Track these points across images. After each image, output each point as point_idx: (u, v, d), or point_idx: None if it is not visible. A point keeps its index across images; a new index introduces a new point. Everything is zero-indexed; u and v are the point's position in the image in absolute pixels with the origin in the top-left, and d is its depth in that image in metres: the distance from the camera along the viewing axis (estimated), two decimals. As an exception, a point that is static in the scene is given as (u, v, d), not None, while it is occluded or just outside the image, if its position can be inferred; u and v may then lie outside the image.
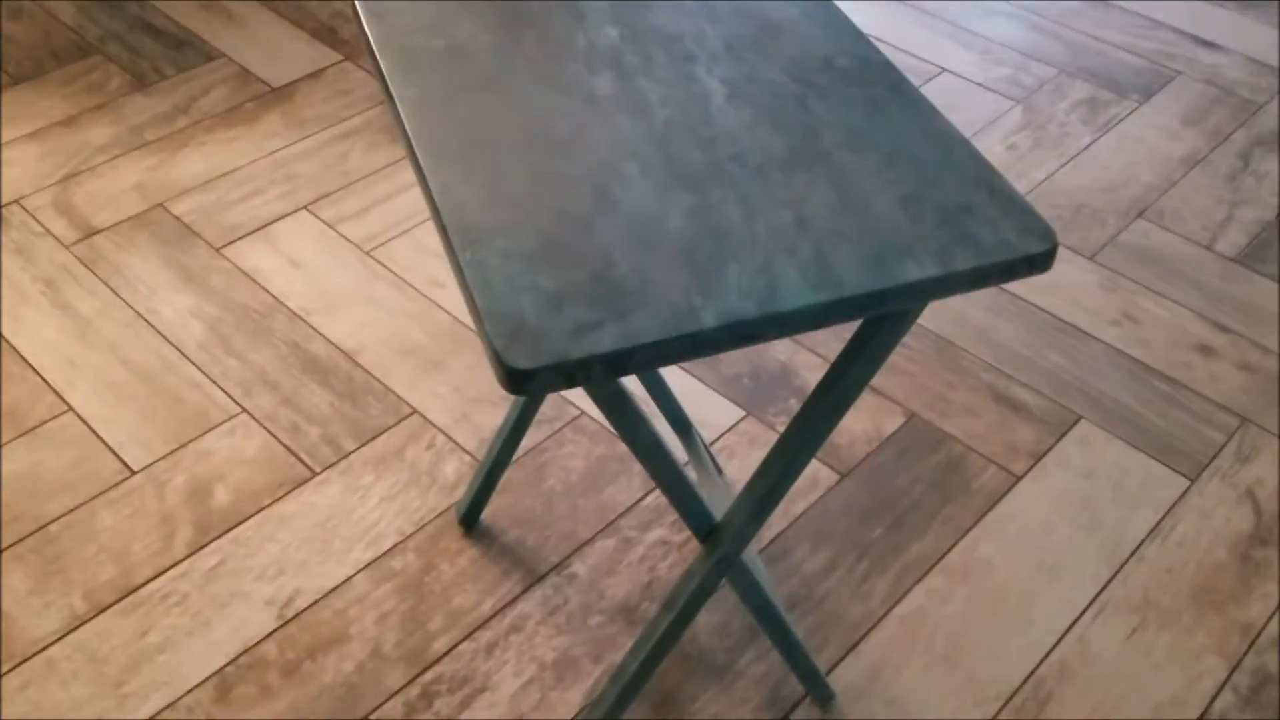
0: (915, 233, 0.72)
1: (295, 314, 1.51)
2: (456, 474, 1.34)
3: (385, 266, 1.58)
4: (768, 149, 0.77)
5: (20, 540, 1.26)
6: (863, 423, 1.42)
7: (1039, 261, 0.71)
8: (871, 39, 1.89)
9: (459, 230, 0.71)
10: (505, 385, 0.64)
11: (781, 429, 1.41)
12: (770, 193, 0.74)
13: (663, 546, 1.28)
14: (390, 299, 1.54)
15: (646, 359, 0.65)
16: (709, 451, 1.32)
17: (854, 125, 0.79)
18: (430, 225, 1.65)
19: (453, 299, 1.54)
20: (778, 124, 0.79)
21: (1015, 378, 1.48)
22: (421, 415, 1.40)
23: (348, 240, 1.62)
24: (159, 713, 1.12)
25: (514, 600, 1.23)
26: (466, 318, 1.52)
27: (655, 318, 0.66)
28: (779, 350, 1.50)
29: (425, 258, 1.60)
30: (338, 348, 1.47)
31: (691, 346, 0.66)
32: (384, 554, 1.26)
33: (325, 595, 1.22)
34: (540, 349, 0.64)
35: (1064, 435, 1.42)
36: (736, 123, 0.79)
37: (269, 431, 1.37)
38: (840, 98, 0.82)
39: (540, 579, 1.25)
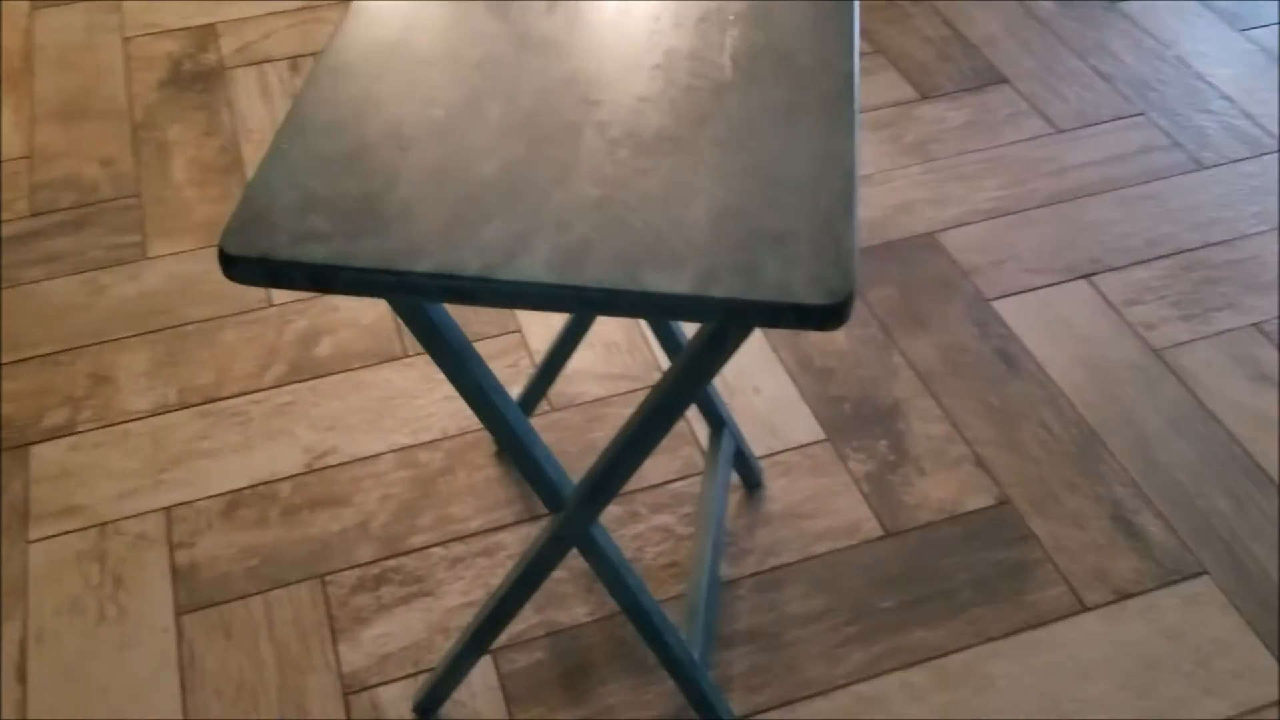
0: (701, 246, 0.65)
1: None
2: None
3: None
4: (641, 125, 0.72)
5: (158, 330, 1.45)
6: (946, 489, 1.28)
7: (813, 315, 0.62)
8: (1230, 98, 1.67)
9: (293, 122, 0.73)
10: (219, 263, 0.66)
11: (855, 465, 1.31)
12: (600, 166, 0.70)
13: (662, 532, 1.24)
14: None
15: (350, 283, 0.65)
16: (748, 457, 1.25)
17: (750, 126, 0.72)
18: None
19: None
20: (675, 105, 0.74)
21: (1153, 504, 1.27)
22: (522, 336, 1.45)
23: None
24: (175, 505, 1.27)
25: (499, 528, 1.25)
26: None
27: (380, 249, 0.65)
28: (901, 388, 1.39)
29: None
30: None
31: (397, 285, 0.64)
32: (418, 445, 1.32)
33: (352, 461, 1.31)
34: (255, 241, 0.65)
35: (1172, 584, 1.20)
36: (636, 93, 0.75)
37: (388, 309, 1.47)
38: (764, 97, 0.75)
39: (534, 518, 1.26)
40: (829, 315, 0.62)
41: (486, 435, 1.33)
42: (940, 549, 1.23)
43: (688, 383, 0.75)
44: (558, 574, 1.21)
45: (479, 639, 1.00)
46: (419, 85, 0.75)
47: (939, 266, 1.54)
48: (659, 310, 0.63)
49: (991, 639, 1.16)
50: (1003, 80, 1.85)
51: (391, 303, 0.76)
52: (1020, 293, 1.51)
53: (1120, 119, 1.77)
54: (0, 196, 1.65)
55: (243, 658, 1.14)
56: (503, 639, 1.16)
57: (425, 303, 0.74)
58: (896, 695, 1.12)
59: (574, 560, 1.22)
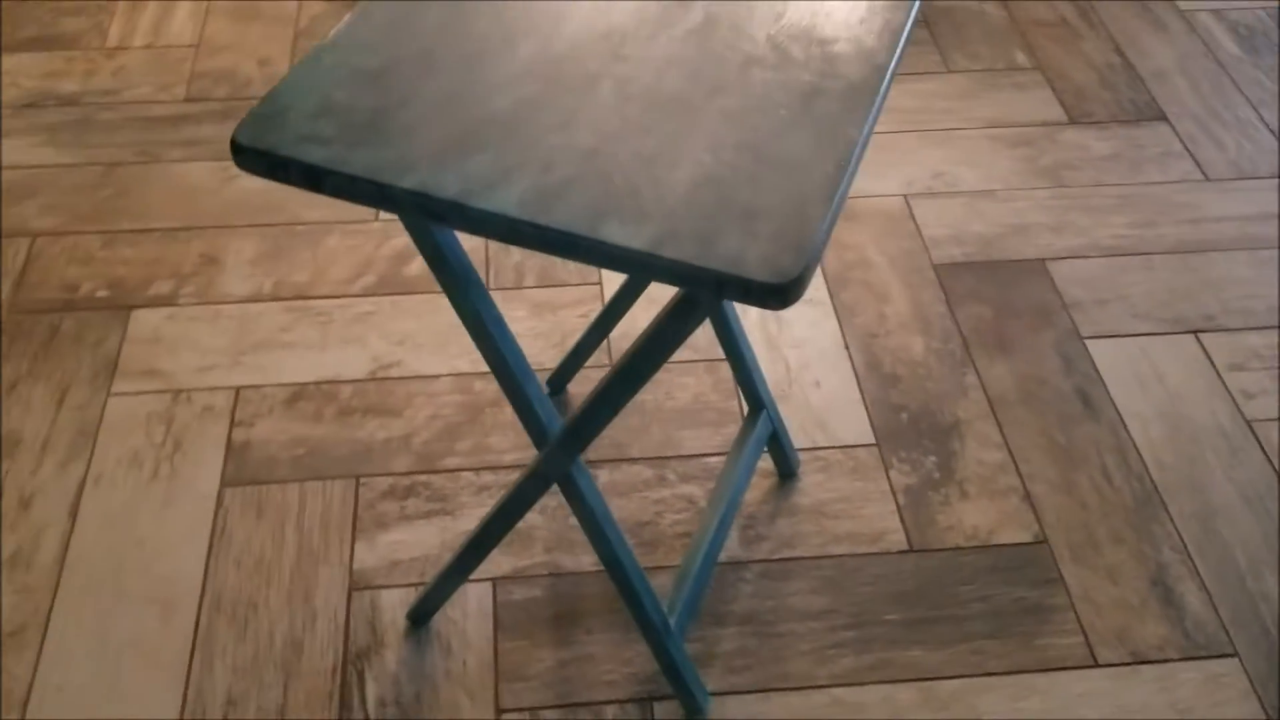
0: (670, 208, 0.65)
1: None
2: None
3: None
4: (658, 86, 0.73)
5: (271, 225, 1.54)
6: (984, 517, 1.25)
7: (756, 291, 0.62)
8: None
9: (338, 34, 0.77)
10: (231, 150, 0.70)
11: (896, 475, 1.29)
12: (605, 119, 0.71)
13: (684, 501, 1.25)
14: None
15: (336, 187, 0.68)
16: (786, 446, 1.25)
17: (763, 103, 0.72)
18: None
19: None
20: (698, 72, 0.74)
21: (1200, 575, 1.20)
22: (601, 289, 1.47)
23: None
24: (244, 386, 1.35)
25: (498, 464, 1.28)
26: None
27: (372, 159, 0.68)
28: (964, 409, 1.35)
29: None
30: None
31: (378, 196, 0.67)
32: (476, 373, 1.37)
33: (412, 377, 1.36)
34: (264, 136, 0.70)
35: (1197, 659, 1.14)
36: (665, 54, 0.76)
37: (484, 241, 1.52)
38: (787, 76, 0.74)
39: (567, 463, 1.29)
40: (772, 293, 0.62)
41: (541, 378, 1.37)
42: (962, 575, 1.21)
43: (655, 346, 0.76)
44: (573, 520, 1.24)
45: (462, 563, 1.04)
46: (463, 17, 0.78)
47: (1040, 294, 1.49)
48: (611, 262, 0.64)
49: (990, 674, 1.13)
50: (1161, 118, 1.76)
51: (402, 220, 0.79)
52: (1119, 336, 1.44)
53: (1278, 178, 1.66)
54: (163, 79, 1.77)
55: (268, 537, 1.21)
56: (507, 570, 1.19)
57: (430, 225, 0.77)
58: (876, 707, 1.10)
59: (596, 511, 1.24)
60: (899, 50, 0.77)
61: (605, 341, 1.40)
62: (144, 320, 1.42)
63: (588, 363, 1.35)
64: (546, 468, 0.91)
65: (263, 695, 1.10)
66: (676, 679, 1.06)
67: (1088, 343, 1.44)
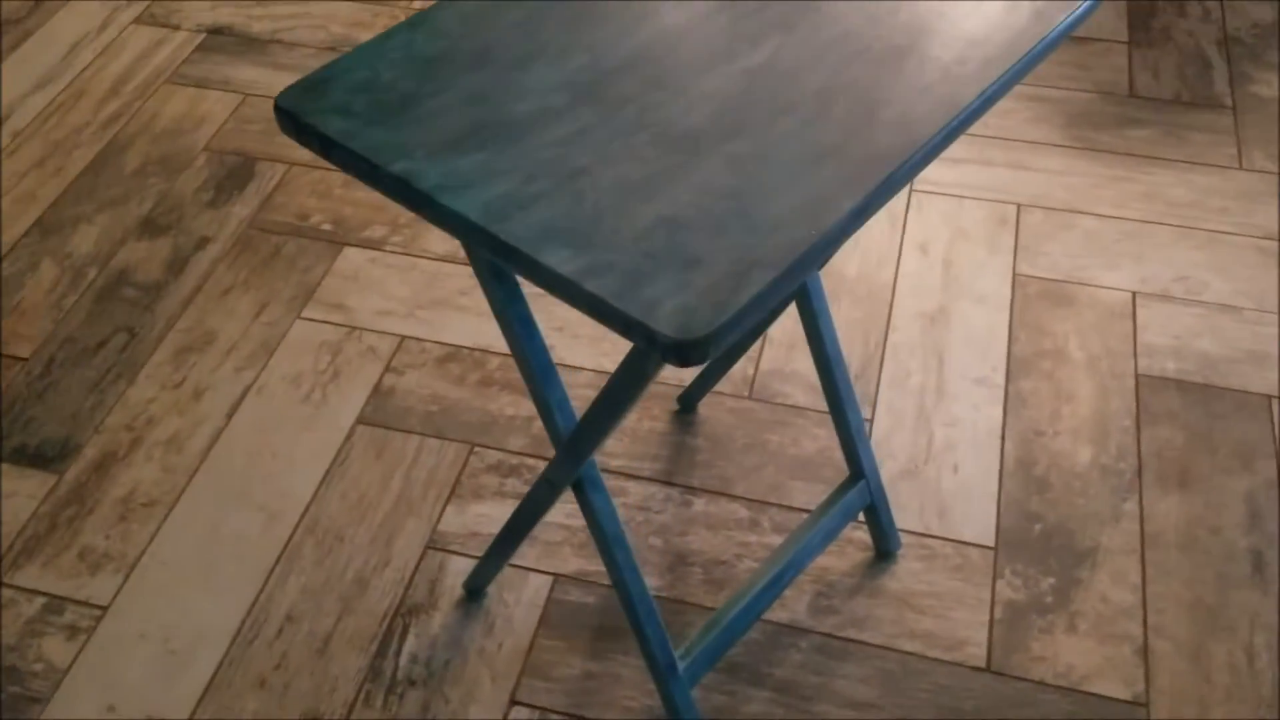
0: (620, 241, 0.64)
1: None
2: (741, 365, 1.38)
3: (914, 214, 1.57)
4: (680, 119, 0.71)
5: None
6: (1085, 658, 1.12)
7: (656, 341, 0.59)
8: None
9: (417, 17, 0.80)
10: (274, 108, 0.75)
11: (1003, 587, 1.17)
12: (609, 142, 0.70)
13: (767, 550, 1.21)
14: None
15: (340, 159, 0.71)
16: (885, 524, 1.17)
17: (773, 154, 0.68)
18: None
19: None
20: (727, 111, 0.72)
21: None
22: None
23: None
24: (409, 337, 1.43)
25: (633, 476, 1.28)
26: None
27: (377, 140, 0.71)
28: (1110, 537, 1.21)
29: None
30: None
31: (369, 175, 0.70)
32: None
33: (558, 364, 1.40)
34: (300, 101, 0.74)
35: None
36: (704, 89, 0.73)
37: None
38: (815, 132, 0.70)
39: (667, 482, 1.27)
40: (670, 348, 0.59)
41: (672, 393, 1.36)
42: (1034, 711, 1.09)
43: (611, 394, 0.75)
44: (653, 541, 1.23)
45: (497, 549, 1.06)
46: (537, 19, 0.79)
47: (1251, 435, 1.31)
48: (545, 283, 0.64)
49: (1025, 826, 1.02)
50: None
51: (478, 258, 0.81)
52: (1333, 503, 1.24)
53: None
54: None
55: (376, 478, 1.29)
56: (572, 570, 1.20)
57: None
58: (883, 820, 1.02)
59: (678, 538, 1.23)
60: (946, 129, 0.70)
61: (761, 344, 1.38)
62: (350, 258, 1.54)
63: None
64: (552, 474, 0.91)
65: (317, 620, 1.18)
66: (674, 714, 1.03)
67: (1292, 501, 1.25)
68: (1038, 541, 1.22)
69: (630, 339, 0.61)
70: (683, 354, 0.60)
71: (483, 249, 0.67)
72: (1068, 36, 0.84)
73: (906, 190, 1.61)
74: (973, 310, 1.45)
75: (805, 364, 1.39)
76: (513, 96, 0.74)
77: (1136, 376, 1.37)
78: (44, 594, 1.20)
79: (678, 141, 0.70)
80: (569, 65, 0.76)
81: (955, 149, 1.66)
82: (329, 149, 0.72)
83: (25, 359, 1.42)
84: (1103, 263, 1.51)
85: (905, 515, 1.25)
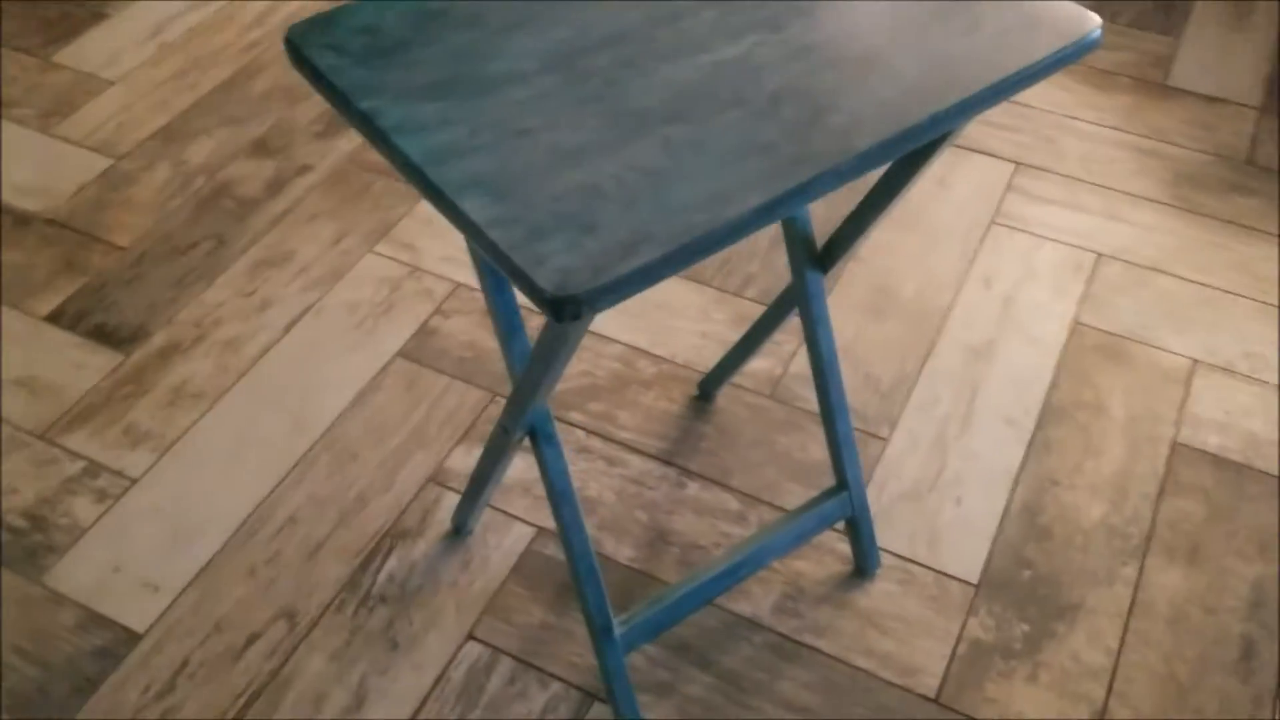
0: (535, 199, 0.68)
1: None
2: (769, 365, 1.39)
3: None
4: (635, 98, 0.74)
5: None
6: (1039, 709, 1.10)
7: (533, 292, 0.63)
8: None
9: (437, -26, 0.85)
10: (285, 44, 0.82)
11: (974, 625, 1.16)
12: (562, 109, 0.74)
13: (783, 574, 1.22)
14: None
15: (325, 92, 0.77)
16: (866, 542, 1.17)
17: (711, 145, 0.71)
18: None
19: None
20: (681, 97, 0.74)
21: None
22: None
23: (1003, 211, 1.59)
24: (462, 284, 1.50)
25: (637, 450, 1.31)
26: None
27: (356, 79, 0.76)
28: (1098, 598, 1.18)
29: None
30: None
31: (344, 108, 0.76)
32: (646, 351, 1.41)
33: (592, 332, 1.44)
34: (305, 35, 0.80)
35: None
36: (671, 75, 0.76)
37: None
38: (754, 129, 0.72)
39: (669, 463, 1.30)
40: (546, 301, 0.63)
41: (695, 379, 1.39)
42: (971, 751, 1.08)
43: (549, 334, 0.78)
44: (639, 515, 1.26)
45: (468, 492, 1.11)
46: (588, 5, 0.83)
47: (1277, 524, 1.25)
48: (458, 224, 0.68)
49: None
50: None
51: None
52: (1349, 609, 1.18)
53: None
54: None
55: (399, 409, 1.36)
56: (555, 526, 1.25)
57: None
58: (789, 821, 1.04)
59: (664, 516, 1.25)
60: (883, 142, 0.71)
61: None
62: (429, 206, 1.61)
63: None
64: (505, 419, 0.96)
65: (314, 526, 1.25)
66: (607, 685, 1.06)
67: (1305, 599, 1.19)
68: (1023, 587, 1.20)
69: (517, 287, 0.65)
70: (556, 308, 0.63)
71: (418, 188, 0.72)
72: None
73: (986, 221, 1.58)
74: (1020, 350, 1.43)
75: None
76: (490, 57, 0.78)
77: (1173, 444, 1.33)
78: (85, 458, 1.31)
79: (624, 118, 0.74)
80: (552, 36, 0.80)
81: (1049, 189, 1.63)
82: (317, 80, 0.78)
83: (123, 248, 1.55)
84: (1171, 326, 1.46)
85: (895, 537, 1.24)
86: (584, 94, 0.75)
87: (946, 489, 1.29)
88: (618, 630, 1.05)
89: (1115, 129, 1.72)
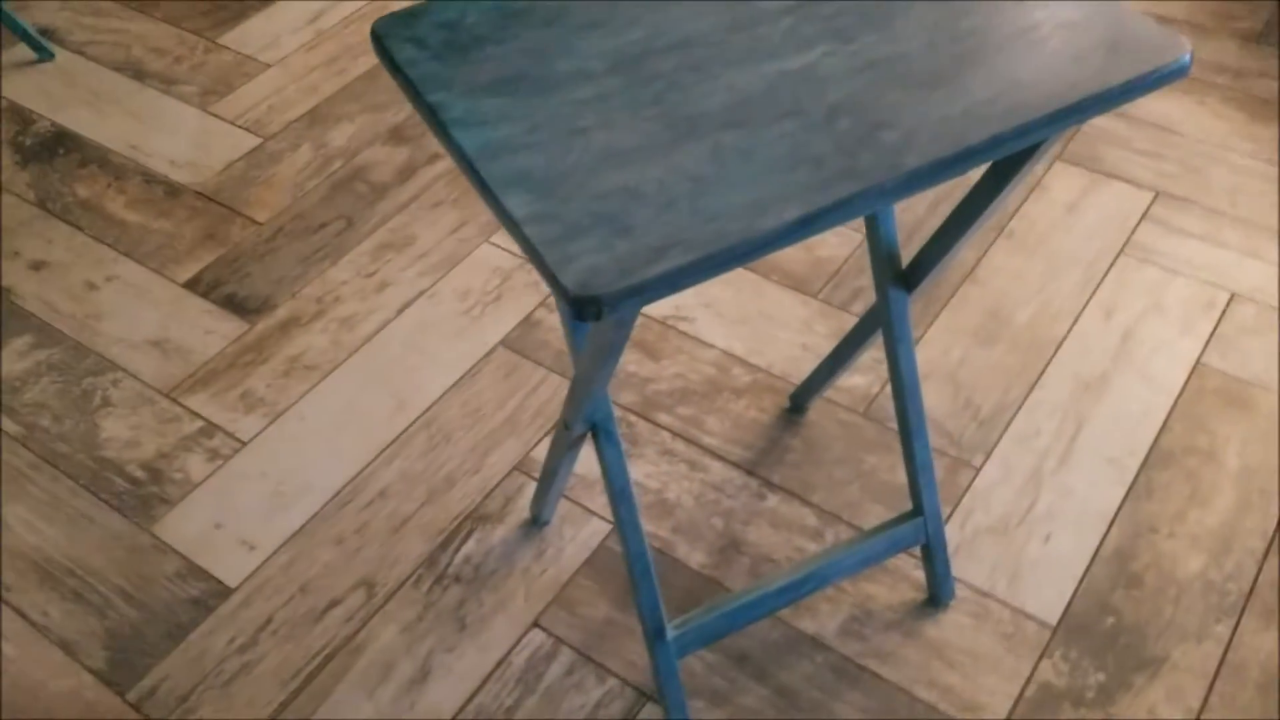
0: (576, 198, 0.69)
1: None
2: (866, 381, 1.37)
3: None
4: (693, 103, 0.75)
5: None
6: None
7: (556, 287, 0.64)
8: None
9: (526, -26, 0.87)
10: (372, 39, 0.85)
11: (1046, 667, 1.12)
12: (619, 111, 0.74)
13: (849, 593, 1.21)
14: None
15: (401, 83, 0.80)
16: (941, 571, 1.14)
17: (762, 154, 0.71)
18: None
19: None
20: (740, 104, 0.74)
21: None
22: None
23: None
24: (572, 279, 1.52)
25: (720, 457, 1.31)
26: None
27: (431, 73, 0.79)
28: (1184, 654, 1.12)
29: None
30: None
31: (415, 99, 0.78)
32: (742, 359, 1.41)
33: (692, 336, 1.44)
34: (390, 29, 0.83)
35: None
36: (734, 80, 0.76)
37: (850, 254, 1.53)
38: (808, 140, 0.71)
39: (751, 472, 1.29)
40: (569, 300, 0.64)
41: (788, 390, 1.37)
42: (1026, 797, 1.04)
43: (595, 331, 0.79)
44: (715, 521, 1.26)
45: (541, 482, 1.13)
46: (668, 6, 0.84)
47: (1404, 597, 1.16)
48: (500, 219, 0.70)
49: None
50: None
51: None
52: None
53: None
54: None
55: (496, 396, 1.40)
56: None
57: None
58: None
59: (739, 525, 1.25)
60: (936, 162, 0.69)
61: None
62: (552, 198, 1.65)
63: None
64: (566, 414, 0.97)
65: (402, 503, 1.30)
66: (658, 686, 1.07)
67: None
68: (1104, 635, 1.15)
69: (547, 284, 0.66)
70: (578, 307, 0.64)
71: (470, 180, 0.74)
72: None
73: (1115, 250, 1.52)
74: (1134, 388, 1.37)
75: (933, 398, 1.36)
76: (560, 55, 0.80)
77: (1291, 500, 1.25)
78: (203, 419, 1.39)
79: (679, 122, 0.74)
80: (624, 38, 0.81)
81: (1189, 221, 1.55)
82: (394, 71, 0.81)
83: (260, 223, 1.63)
84: (1305, 374, 1.37)
85: (974, 569, 1.21)
86: (645, 96, 0.76)
87: (1036, 524, 1.24)
88: (671, 633, 1.06)
89: (1270, 162, 1.62)
